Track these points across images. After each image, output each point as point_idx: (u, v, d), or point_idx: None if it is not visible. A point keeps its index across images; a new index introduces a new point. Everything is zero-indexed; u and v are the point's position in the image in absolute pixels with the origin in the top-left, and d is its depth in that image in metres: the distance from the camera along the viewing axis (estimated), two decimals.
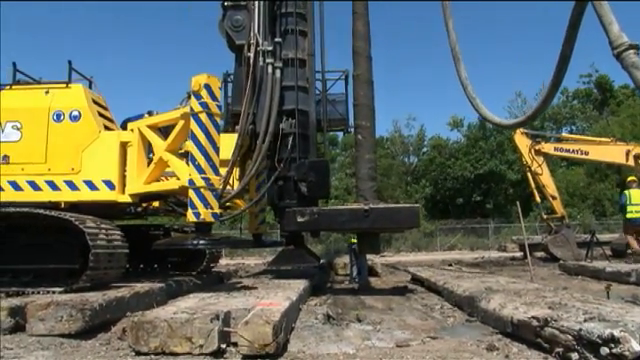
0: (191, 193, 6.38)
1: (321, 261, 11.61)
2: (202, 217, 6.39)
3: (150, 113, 8.25)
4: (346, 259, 12.45)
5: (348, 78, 12.44)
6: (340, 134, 15.06)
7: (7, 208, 6.50)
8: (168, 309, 4.67)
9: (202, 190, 6.36)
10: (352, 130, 13.10)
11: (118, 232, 6.74)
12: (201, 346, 3.87)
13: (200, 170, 6.38)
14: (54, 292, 5.83)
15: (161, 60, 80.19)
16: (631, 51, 5.41)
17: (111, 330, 4.96)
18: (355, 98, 9.68)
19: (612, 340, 3.27)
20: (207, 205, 6.42)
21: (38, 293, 5.84)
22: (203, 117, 6.46)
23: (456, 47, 8.92)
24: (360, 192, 9.37)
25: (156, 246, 8.01)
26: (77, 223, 6.05)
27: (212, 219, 6.58)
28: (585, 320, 3.79)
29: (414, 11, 69.13)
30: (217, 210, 6.71)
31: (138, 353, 3.96)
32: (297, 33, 9.24)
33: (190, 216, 6.44)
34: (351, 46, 9.46)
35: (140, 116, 8.27)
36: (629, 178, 14.18)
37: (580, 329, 3.54)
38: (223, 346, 3.95)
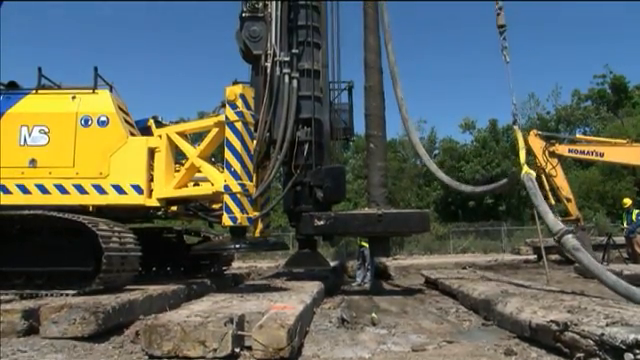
0: (227, 198, 6.53)
1: (332, 264, 11.67)
2: (239, 221, 6.53)
3: (155, 118, 8.35)
4: None
5: (352, 89, 12.70)
6: None
7: (21, 211, 6.52)
8: (181, 312, 4.65)
9: (238, 195, 6.51)
10: (355, 139, 13.40)
11: (131, 235, 6.76)
12: (215, 350, 3.83)
13: (236, 176, 6.52)
14: (67, 295, 5.83)
15: (155, 65, 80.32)
16: (569, 235, 5.98)
17: (124, 333, 4.95)
18: (367, 108, 10.37)
19: (637, 345, 3.19)
20: (243, 210, 6.56)
21: (51, 296, 5.85)
22: (239, 126, 6.63)
23: (395, 68, 9.70)
24: (372, 198, 9.82)
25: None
26: (90, 226, 6.05)
27: (247, 223, 6.76)
28: (607, 324, 3.69)
29: (424, 13, 69.18)
30: (252, 214, 6.89)
31: (151, 357, 3.93)
32: (312, 45, 9.54)
33: (226, 220, 6.56)
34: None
35: (144, 120, 8.34)
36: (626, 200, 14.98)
37: (602, 334, 3.45)
38: (237, 350, 3.90)
